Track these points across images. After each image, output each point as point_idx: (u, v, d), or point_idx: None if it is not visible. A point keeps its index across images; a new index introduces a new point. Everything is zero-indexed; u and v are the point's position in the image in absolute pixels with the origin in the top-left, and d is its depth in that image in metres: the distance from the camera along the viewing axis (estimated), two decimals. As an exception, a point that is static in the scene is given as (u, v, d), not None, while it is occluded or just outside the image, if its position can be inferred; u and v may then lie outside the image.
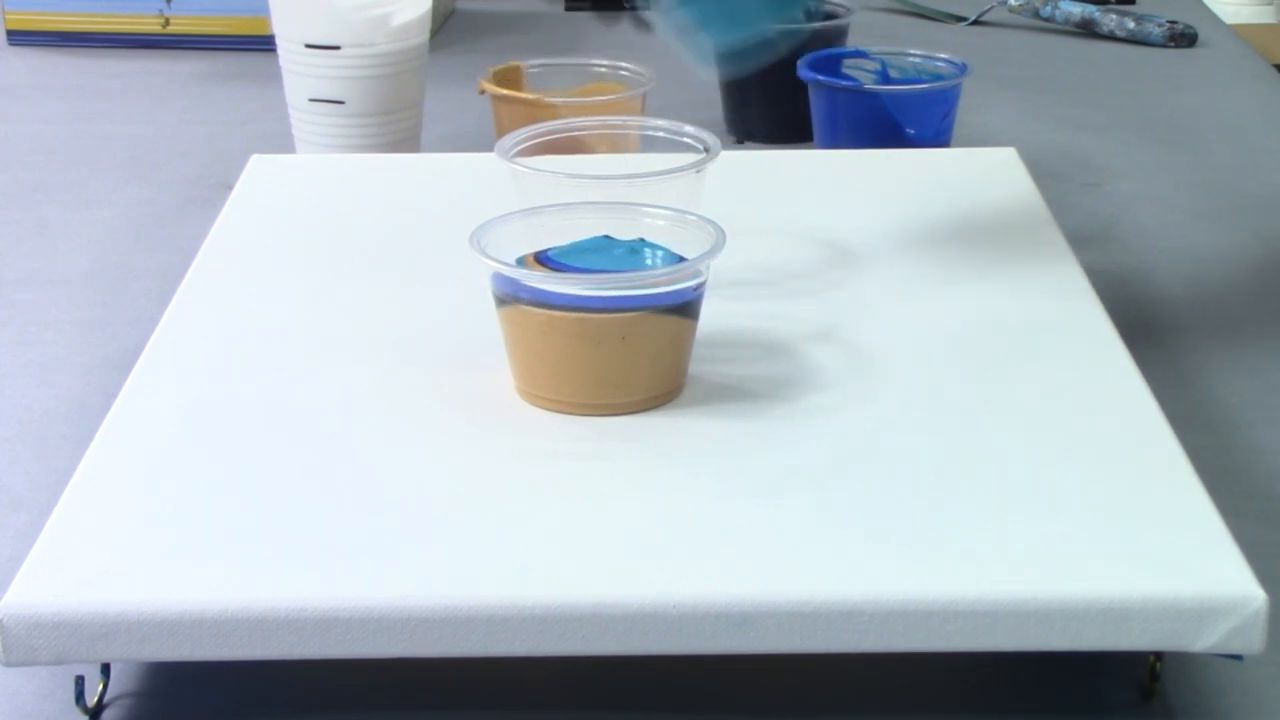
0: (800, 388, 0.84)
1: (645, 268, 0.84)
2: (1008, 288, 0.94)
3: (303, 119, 1.20)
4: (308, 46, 1.18)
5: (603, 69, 1.21)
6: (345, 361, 0.86)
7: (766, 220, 1.02)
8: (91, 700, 0.71)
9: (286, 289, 0.94)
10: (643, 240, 0.85)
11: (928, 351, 0.87)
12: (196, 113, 1.43)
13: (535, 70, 1.20)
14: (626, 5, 1.01)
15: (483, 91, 1.18)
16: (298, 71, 1.19)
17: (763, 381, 0.84)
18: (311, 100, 1.19)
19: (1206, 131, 1.39)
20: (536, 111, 1.13)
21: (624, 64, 1.21)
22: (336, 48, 1.17)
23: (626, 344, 0.80)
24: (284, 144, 1.24)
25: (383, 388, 0.83)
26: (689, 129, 0.95)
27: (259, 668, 0.71)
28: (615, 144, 1.06)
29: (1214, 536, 0.71)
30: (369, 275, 0.96)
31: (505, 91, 1.17)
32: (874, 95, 1.18)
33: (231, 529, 0.72)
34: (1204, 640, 0.68)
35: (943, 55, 1.21)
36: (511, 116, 1.15)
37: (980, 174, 1.09)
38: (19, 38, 1.59)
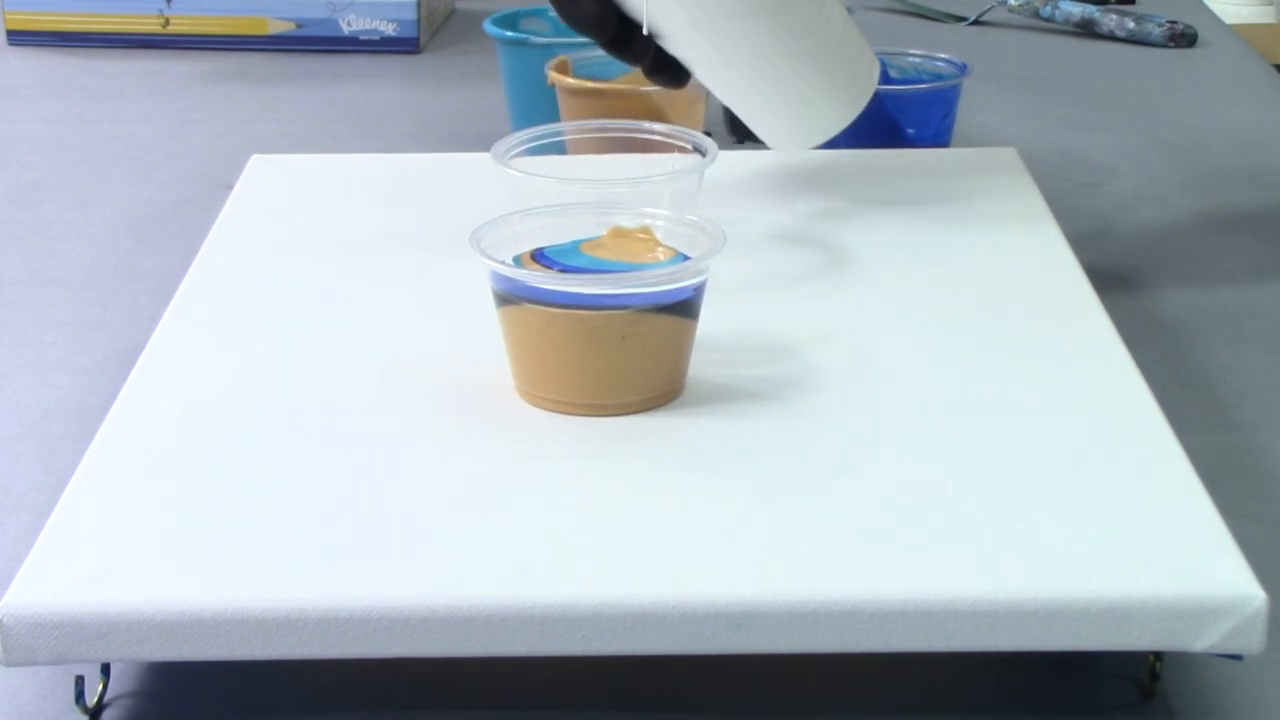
0: (800, 388, 0.84)
1: (645, 268, 0.84)
2: (1008, 288, 0.94)
3: None
4: None
5: None
6: (345, 361, 0.86)
7: (766, 220, 1.02)
8: (91, 700, 0.71)
9: (286, 289, 0.94)
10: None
11: (927, 352, 0.87)
12: (196, 113, 1.43)
13: (582, 60, 1.20)
14: None
15: (553, 85, 1.18)
16: None
17: (763, 382, 0.84)
18: None
19: (1206, 131, 1.39)
20: (612, 102, 1.13)
21: None
22: None
23: (626, 344, 0.80)
24: (284, 144, 1.24)
25: (382, 388, 0.83)
26: (685, 133, 0.95)
27: (259, 668, 0.71)
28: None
29: (1214, 536, 0.71)
30: (369, 275, 0.96)
31: (585, 84, 1.17)
32: (874, 95, 1.18)
33: (232, 529, 0.72)
34: (1204, 640, 0.68)
35: (943, 55, 1.21)
36: (583, 108, 1.15)
37: (980, 174, 1.09)
38: (19, 38, 1.59)
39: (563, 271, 0.83)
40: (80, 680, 0.71)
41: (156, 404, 0.82)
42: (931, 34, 1.64)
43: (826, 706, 0.72)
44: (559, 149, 0.97)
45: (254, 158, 1.11)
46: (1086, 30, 1.63)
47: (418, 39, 1.58)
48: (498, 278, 0.81)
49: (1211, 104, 1.46)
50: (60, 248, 1.17)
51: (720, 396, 0.83)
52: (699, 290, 0.82)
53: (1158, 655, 0.71)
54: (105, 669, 0.72)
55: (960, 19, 1.68)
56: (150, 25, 1.57)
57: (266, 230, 1.02)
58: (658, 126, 0.97)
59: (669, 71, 0.96)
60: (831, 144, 1.18)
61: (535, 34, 1.28)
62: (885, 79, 1.21)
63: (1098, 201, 1.23)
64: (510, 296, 0.80)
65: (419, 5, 1.57)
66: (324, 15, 1.56)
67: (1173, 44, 1.60)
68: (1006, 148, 1.13)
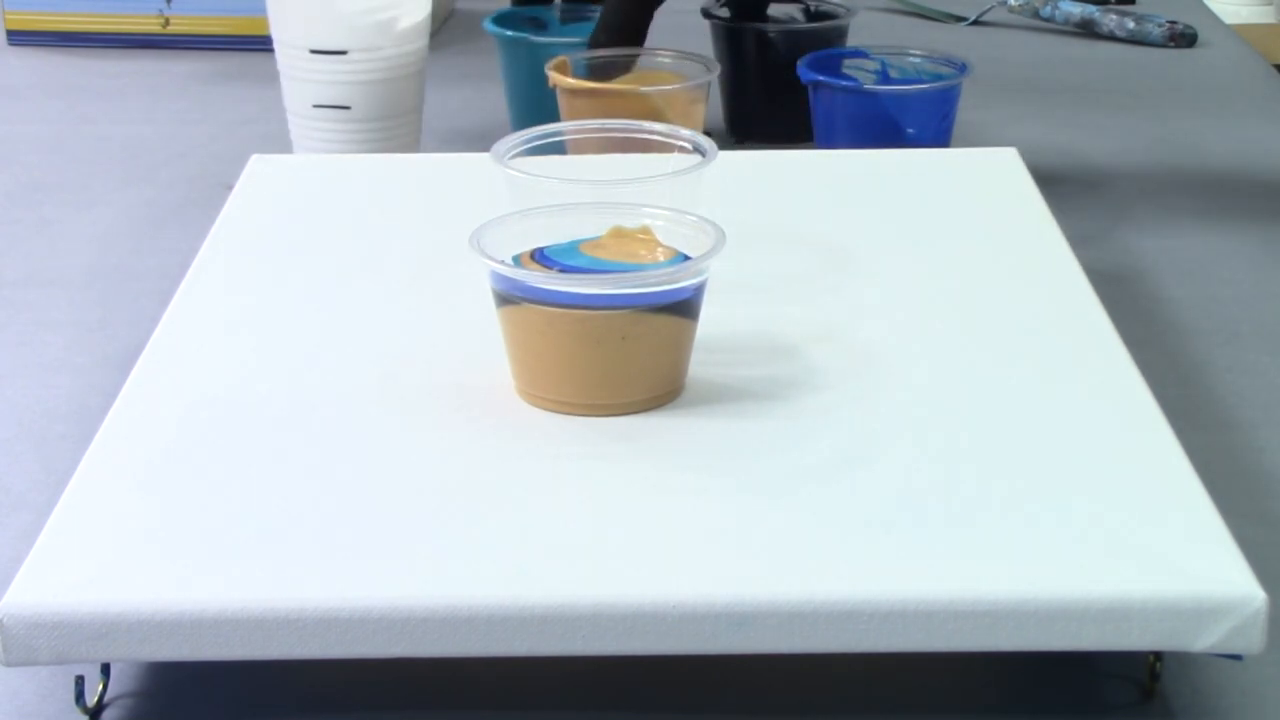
0: (800, 388, 0.84)
1: (645, 268, 0.84)
2: (1008, 288, 0.94)
3: (304, 125, 1.20)
4: (312, 52, 1.18)
5: (666, 59, 1.21)
6: (345, 361, 0.86)
7: (766, 221, 1.02)
8: (91, 700, 0.71)
9: (286, 289, 0.94)
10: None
11: (927, 352, 0.87)
12: (196, 113, 1.43)
13: (582, 60, 1.20)
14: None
15: (554, 86, 1.18)
16: (300, 77, 1.19)
17: (763, 382, 0.84)
18: (316, 106, 1.19)
19: (1206, 131, 1.39)
20: (613, 102, 1.13)
21: (688, 53, 1.21)
22: (343, 53, 1.17)
23: (626, 344, 0.80)
24: (284, 144, 1.24)
25: (383, 388, 0.83)
26: (685, 133, 0.95)
27: (259, 668, 0.71)
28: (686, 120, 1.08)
29: (1214, 536, 0.71)
30: (369, 275, 0.96)
31: (584, 84, 1.17)
32: (874, 95, 1.18)
33: (231, 529, 0.72)
34: (1204, 640, 0.68)
35: (943, 55, 1.21)
36: (583, 108, 1.15)
37: (980, 174, 1.09)
38: (19, 38, 1.59)
39: (563, 271, 0.83)
40: (80, 680, 0.71)
41: (156, 404, 0.82)
42: (931, 34, 1.64)
43: (826, 706, 0.72)
44: (559, 149, 0.97)
45: (254, 158, 1.11)
46: (1086, 30, 1.63)
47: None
48: (498, 278, 0.81)
49: (1211, 104, 1.46)
50: (60, 248, 1.17)
51: (720, 396, 0.83)
52: (699, 290, 0.82)
53: (1158, 655, 0.71)
54: (105, 669, 0.72)
55: (960, 19, 1.68)
56: (150, 25, 1.57)
57: (266, 230, 1.02)
58: (658, 126, 0.97)
59: None
60: (832, 144, 1.18)
61: (535, 33, 1.28)
62: (885, 79, 1.21)
63: (1098, 201, 1.23)
64: (510, 296, 0.81)
65: (419, 5, 1.57)
66: (324, 15, 1.56)
67: (1173, 44, 1.60)
68: (1006, 148, 1.13)
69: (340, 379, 0.84)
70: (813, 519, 0.73)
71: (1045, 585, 0.68)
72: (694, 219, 0.84)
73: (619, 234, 0.85)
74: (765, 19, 1.30)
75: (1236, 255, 1.15)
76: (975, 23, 1.67)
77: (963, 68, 1.19)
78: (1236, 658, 0.69)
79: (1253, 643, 0.68)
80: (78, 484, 0.76)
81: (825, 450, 0.79)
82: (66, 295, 1.09)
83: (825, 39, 1.27)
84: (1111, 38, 1.62)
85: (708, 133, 1.04)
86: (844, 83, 1.19)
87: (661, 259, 0.84)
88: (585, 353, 0.80)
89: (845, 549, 0.71)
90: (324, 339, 0.89)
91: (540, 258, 0.83)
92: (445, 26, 1.65)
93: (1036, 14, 1.66)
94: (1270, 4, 2.19)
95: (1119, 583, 0.68)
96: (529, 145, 0.94)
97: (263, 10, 1.22)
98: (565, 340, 0.80)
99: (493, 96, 1.35)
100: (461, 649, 0.68)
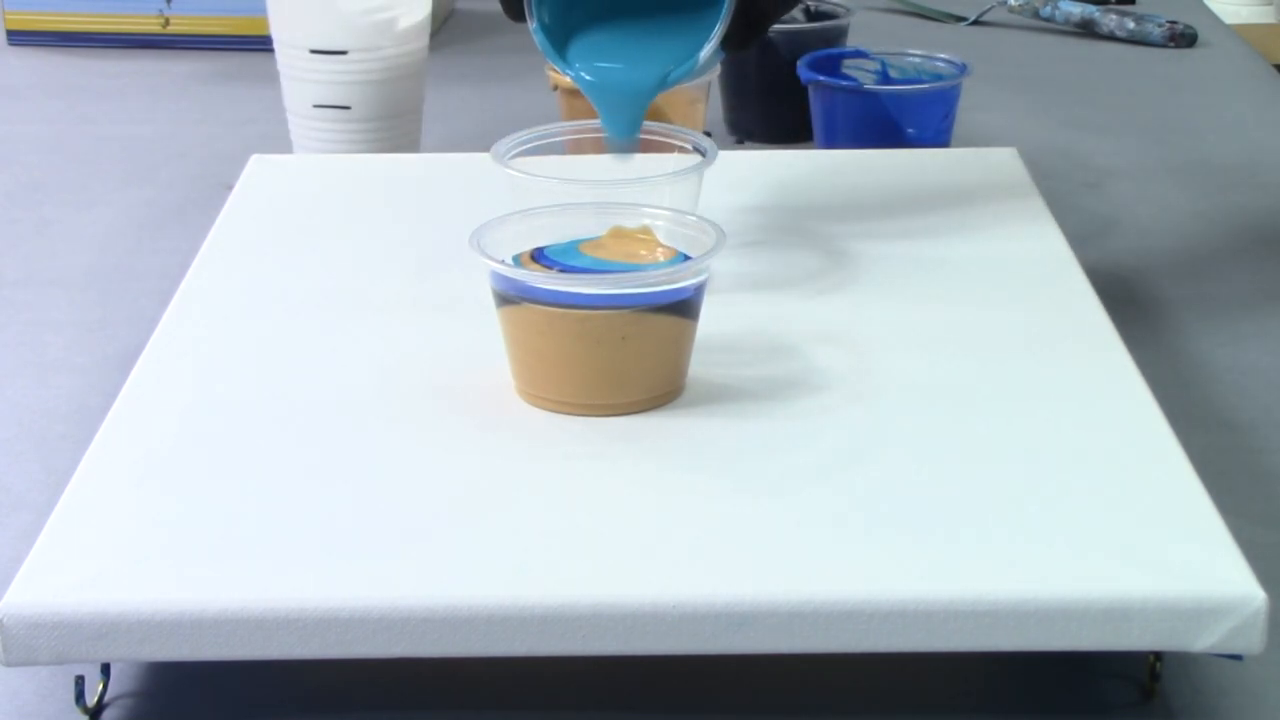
0: (800, 388, 0.84)
1: (645, 268, 0.84)
2: (1008, 288, 0.94)
3: (304, 125, 1.20)
4: (312, 52, 1.18)
5: None
6: (345, 361, 0.86)
7: (766, 220, 1.02)
8: (91, 700, 0.71)
9: (286, 289, 0.94)
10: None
11: (928, 352, 0.87)
12: (196, 113, 1.43)
13: None
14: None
15: (555, 87, 1.17)
16: (300, 77, 1.19)
17: (763, 382, 0.84)
18: (316, 106, 1.18)
19: (1206, 131, 1.39)
20: None
21: None
22: (343, 53, 1.17)
23: (626, 344, 0.80)
24: (284, 145, 1.24)
25: (383, 388, 0.83)
26: (685, 133, 0.95)
27: (259, 668, 0.71)
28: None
29: (1214, 536, 0.71)
30: (368, 275, 0.96)
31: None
32: (874, 95, 1.18)
33: (231, 529, 0.72)
34: (1204, 640, 0.68)
35: (943, 55, 1.21)
36: (583, 108, 1.15)
37: (980, 174, 1.09)
38: (19, 38, 1.59)
39: (563, 271, 0.83)
40: (80, 680, 0.71)
41: (156, 404, 0.82)
42: (931, 34, 1.64)
43: (826, 706, 0.72)
44: (559, 149, 0.97)
45: (254, 158, 1.11)
46: (1086, 30, 1.63)
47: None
48: (498, 278, 0.81)
49: (1211, 104, 1.46)
50: (60, 248, 1.17)
51: (720, 396, 0.83)
52: (699, 290, 0.82)
53: (1158, 655, 0.71)
54: (105, 669, 0.72)
55: (960, 19, 1.68)
56: (150, 25, 1.57)
57: (266, 230, 1.02)
58: (658, 126, 0.97)
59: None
60: (832, 144, 1.18)
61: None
62: (885, 79, 1.21)
63: (1098, 201, 1.23)
64: (510, 296, 0.81)
65: (419, 5, 1.57)
66: (324, 15, 1.56)
67: (1173, 44, 1.60)
68: (1006, 148, 1.13)
69: (340, 379, 0.84)
70: (813, 519, 0.73)
71: (1045, 585, 0.68)
72: (694, 219, 0.84)
73: (619, 234, 0.85)
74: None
75: (1236, 255, 1.15)
76: (975, 23, 1.67)
77: (963, 68, 1.19)
78: (1237, 658, 0.69)
79: (1253, 643, 0.68)
80: (78, 484, 0.76)
81: (825, 450, 0.79)
82: (66, 295, 1.09)
83: (825, 39, 1.27)
84: (1111, 38, 1.62)
85: (708, 133, 1.04)
86: (844, 83, 1.19)
87: (661, 259, 0.84)
88: (585, 353, 0.80)
89: (845, 549, 0.71)
90: (324, 339, 0.89)
91: (540, 258, 0.84)
92: (445, 26, 1.65)
93: (1036, 14, 1.66)
94: (1270, 4, 2.19)
95: (1119, 583, 0.68)
96: (529, 145, 0.94)
97: (263, 10, 1.22)
98: (565, 340, 0.80)
99: (493, 96, 1.35)
100: (461, 649, 0.68)
